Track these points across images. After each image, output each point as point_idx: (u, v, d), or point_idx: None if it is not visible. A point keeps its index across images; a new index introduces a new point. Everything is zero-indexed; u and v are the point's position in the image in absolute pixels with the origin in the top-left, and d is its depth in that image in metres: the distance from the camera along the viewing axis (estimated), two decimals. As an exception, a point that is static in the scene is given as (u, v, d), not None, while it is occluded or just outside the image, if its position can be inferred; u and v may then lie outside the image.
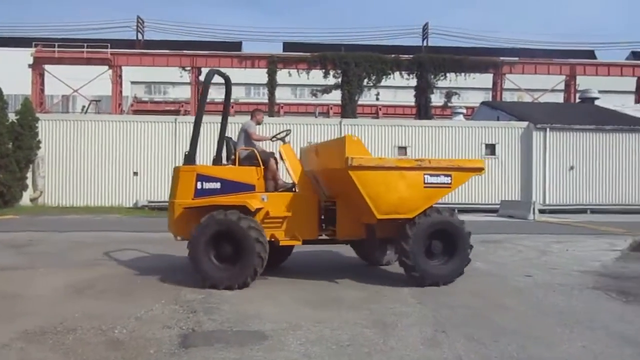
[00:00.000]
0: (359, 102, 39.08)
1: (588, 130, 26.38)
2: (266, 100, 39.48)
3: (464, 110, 38.38)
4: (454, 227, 7.53)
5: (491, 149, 26.13)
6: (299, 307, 6.15)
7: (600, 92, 35.27)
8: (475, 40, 62.23)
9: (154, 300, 6.30)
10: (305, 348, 4.63)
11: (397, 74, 38.22)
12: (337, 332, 5.10)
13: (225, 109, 8.71)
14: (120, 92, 39.96)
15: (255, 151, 8.02)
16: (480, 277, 8.19)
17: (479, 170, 7.97)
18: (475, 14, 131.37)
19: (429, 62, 37.95)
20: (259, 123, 8.84)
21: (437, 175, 7.46)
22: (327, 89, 38.33)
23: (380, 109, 46.77)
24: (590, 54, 49.56)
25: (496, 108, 31.37)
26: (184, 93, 46.43)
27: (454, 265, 7.50)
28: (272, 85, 37.73)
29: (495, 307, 6.26)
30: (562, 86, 40.52)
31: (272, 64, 37.73)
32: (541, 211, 22.77)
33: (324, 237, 8.15)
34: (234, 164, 7.90)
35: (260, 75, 40.46)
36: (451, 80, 38.50)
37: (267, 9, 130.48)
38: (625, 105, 34.36)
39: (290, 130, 8.92)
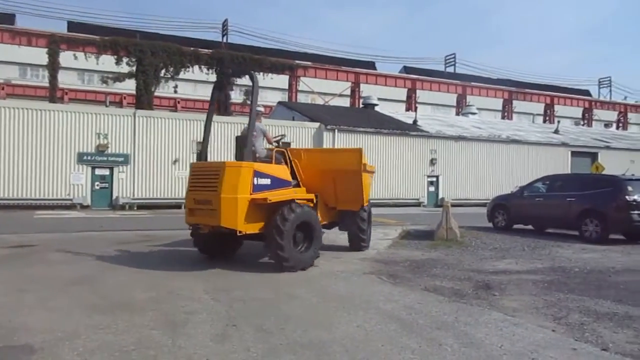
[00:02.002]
0: (156, 94, 37.21)
1: (369, 133, 29.60)
2: (46, 84, 34.97)
3: (262, 109, 39.43)
4: (371, 212, 11.00)
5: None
6: (79, 313, 5.59)
7: (379, 99, 39.80)
8: (272, 42, 64.60)
9: None
10: (82, 359, 4.22)
11: (196, 67, 37.43)
12: (121, 337, 4.77)
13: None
14: None
15: (286, 151, 9.38)
16: (272, 269, 8.50)
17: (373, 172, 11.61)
18: (272, 15, 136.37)
19: (228, 59, 38.02)
20: None
21: (371, 177, 11.01)
22: (119, 77, 35.46)
23: (178, 102, 45.34)
24: (372, 65, 55.53)
25: (292, 109, 33.04)
26: None
27: (370, 237, 11.05)
28: (53, 67, 33.46)
29: (285, 297, 6.58)
30: (348, 92, 44.58)
31: (54, 43, 33.45)
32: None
33: None
34: (268, 162, 8.71)
35: (39, 55, 35.63)
36: (250, 78, 39.22)
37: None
38: (398, 112, 39.44)
39: (285, 134, 11.15)
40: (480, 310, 6.01)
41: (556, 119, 48.56)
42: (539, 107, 54.56)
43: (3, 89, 39.71)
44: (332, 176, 9.74)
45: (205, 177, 8.38)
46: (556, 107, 53.52)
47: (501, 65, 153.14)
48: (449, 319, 5.60)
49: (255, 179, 8.07)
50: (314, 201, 9.32)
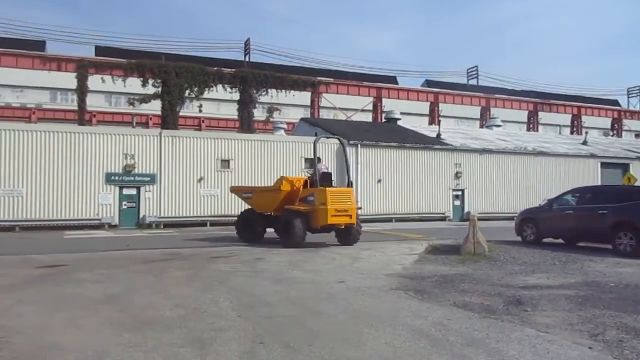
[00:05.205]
0: (181, 114, 37.82)
1: (392, 147, 29.47)
2: (75, 107, 35.97)
3: (285, 126, 39.85)
4: None
5: (310, 162, 27.50)
6: (109, 332, 5.64)
7: (401, 113, 39.66)
8: (294, 59, 65.36)
9: None
10: (112, 377, 4.24)
11: (220, 86, 37.98)
12: (151, 355, 4.79)
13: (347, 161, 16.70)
14: None
15: None
16: (298, 285, 8.48)
17: None
18: (293, 33, 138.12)
19: (251, 77, 38.49)
20: None
21: None
22: (145, 99, 36.18)
23: (203, 121, 46.03)
24: (393, 80, 55.53)
25: (314, 124, 33.12)
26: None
27: None
28: (82, 91, 34.39)
29: (311, 314, 6.52)
30: (370, 107, 44.61)
31: (83, 68, 34.42)
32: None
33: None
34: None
35: (68, 79, 36.71)
36: (272, 96, 39.62)
37: (76, 10, 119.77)
38: (421, 125, 39.22)
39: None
40: (512, 327, 5.85)
41: (584, 130, 47.62)
42: (566, 119, 53.56)
43: (34, 113, 40.96)
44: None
45: (342, 196, 14.61)
46: (584, 118, 52.46)
47: (524, 76, 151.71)
48: (479, 336, 5.47)
49: None
50: None
